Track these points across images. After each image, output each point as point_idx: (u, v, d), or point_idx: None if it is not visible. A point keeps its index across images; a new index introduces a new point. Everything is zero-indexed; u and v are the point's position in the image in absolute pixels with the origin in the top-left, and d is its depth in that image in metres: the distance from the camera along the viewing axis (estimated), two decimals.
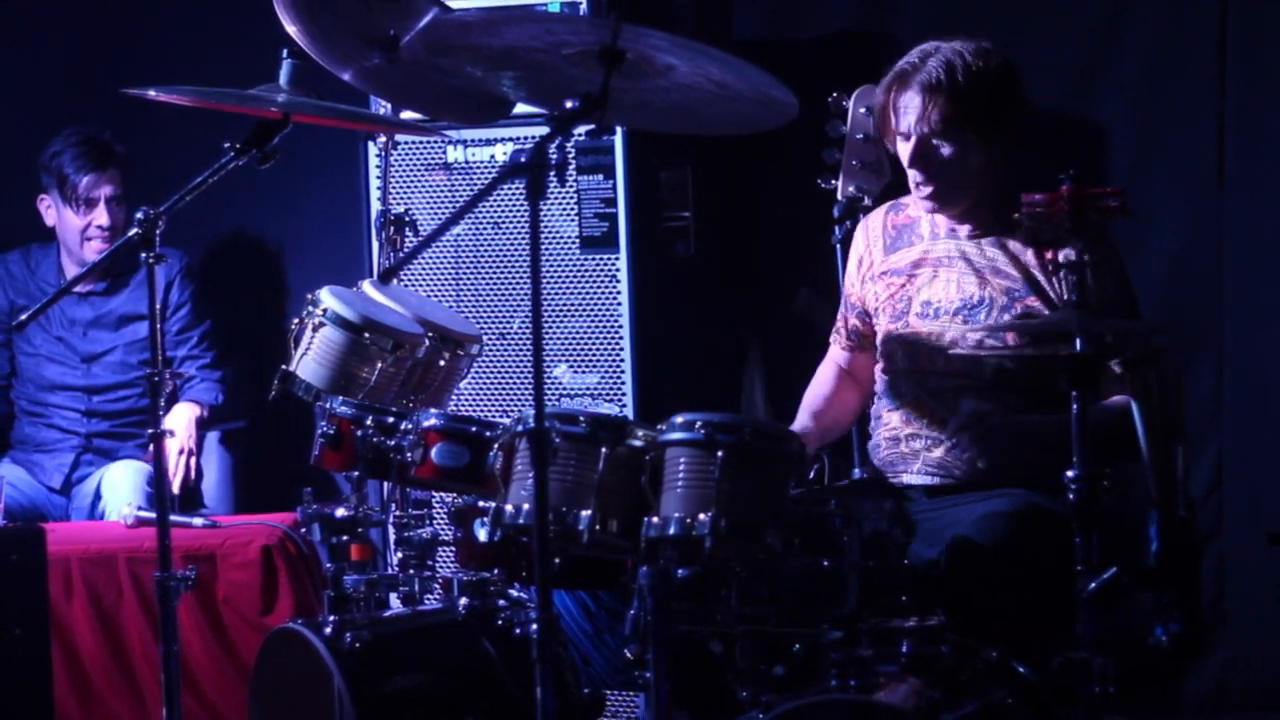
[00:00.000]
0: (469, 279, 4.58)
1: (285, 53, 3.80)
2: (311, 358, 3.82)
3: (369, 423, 3.58)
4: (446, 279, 4.60)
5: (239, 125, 3.71)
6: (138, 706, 4.38)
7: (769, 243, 4.92)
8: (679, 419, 3.10)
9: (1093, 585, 3.01)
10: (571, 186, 4.43)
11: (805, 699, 3.05)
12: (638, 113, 3.33)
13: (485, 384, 4.53)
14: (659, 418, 3.16)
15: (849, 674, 3.05)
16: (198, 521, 4.51)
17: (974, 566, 3.40)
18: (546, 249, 4.46)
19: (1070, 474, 3.03)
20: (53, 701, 4.08)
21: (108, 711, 4.39)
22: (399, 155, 4.55)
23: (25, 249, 5.15)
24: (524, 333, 4.49)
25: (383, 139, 4.45)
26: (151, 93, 3.83)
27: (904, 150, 3.67)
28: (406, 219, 4.36)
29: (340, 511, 3.69)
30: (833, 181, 4.14)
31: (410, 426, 3.54)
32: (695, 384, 4.59)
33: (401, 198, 4.55)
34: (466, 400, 4.52)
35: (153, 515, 3.89)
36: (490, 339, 4.40)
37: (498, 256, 4.54)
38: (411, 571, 3.70)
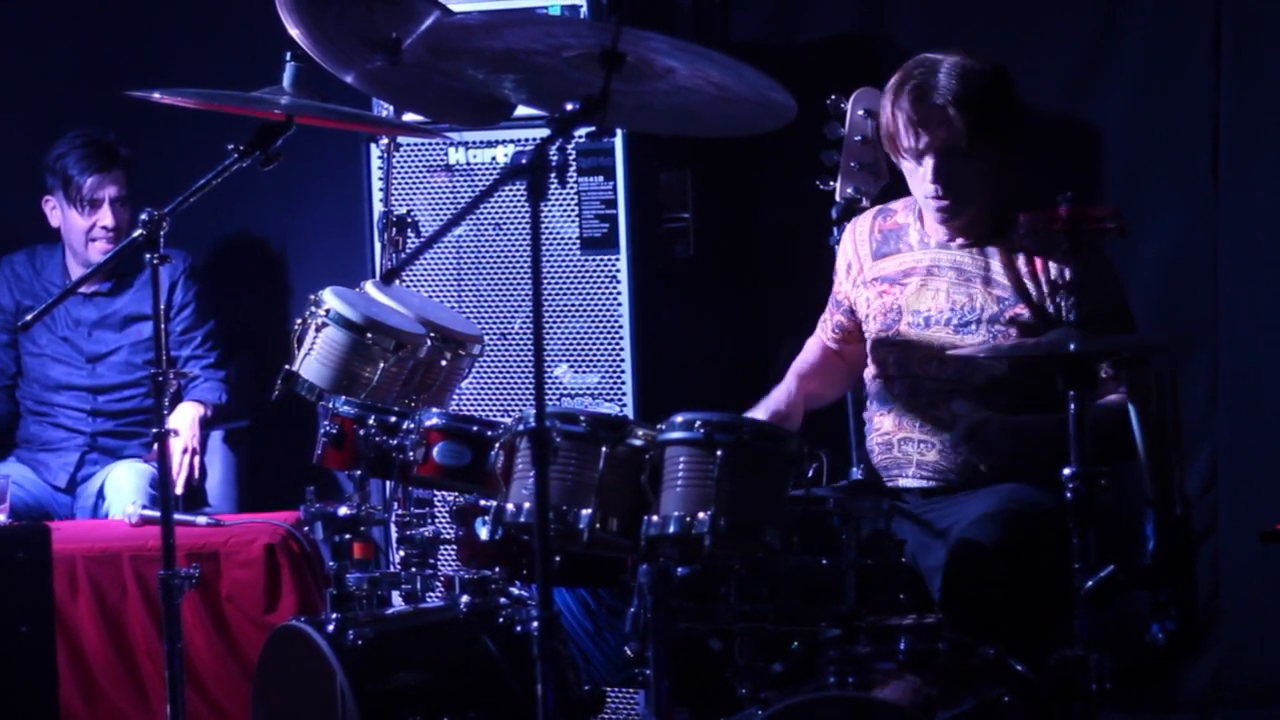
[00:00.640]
0: (470, 279, 4.58)
1: (288, 56, 3.80)
2: (314, 358, 3.82)
3: (371, 422, 3.59)
4: (448, 279, 4.61)
5: (243, 127, 3.71)
6: (142, 704, 4.40)
7: (768, 244, 4.92)
8: (679, 418, 3.11)
9: (1090, 583, 3.03)
10: (572, 188, 4.43)
11: (803, 696, 3.05)
12: (638, 115, 3.33)
13: (487, 384, 4.54)
14: (659, 417, 3.17)
15: (847, 671, 3.05)
16: (201, 520, 4.53)
17: (973, 566, 3.40)
18: (547, 250, 4.47)
19: (1067, 472, 3.05)
20: (58, 698, 4.09)
21: (112, 708, 4.40)
22: (401, 157, 4.55)
23: (31, 250, 5.16)
24: (525, 333, 4.50)
25: (385, 141, 4.44)
26: (156, 95, 3.84)
27: (921, 165, 3.63)
28: (408, 220, 4.35)
29: (343, 510, 3.69)
30: (831, 183, 4.13)
31: (412, 426, 3.55)
32: (695, 384, 4.60)
33: (403, 199, 4.55)
34: (468, 400, 4.53)
35: (157, 514, 3.90)
36: (491, 339, 4.40)
37: (499, 257, 4.55)
38: (413, 569, 3.70)
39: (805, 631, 3.19)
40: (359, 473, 3.69)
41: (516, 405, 4.52)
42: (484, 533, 3.60)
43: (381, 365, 3.79)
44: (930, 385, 3.68)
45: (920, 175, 3.65)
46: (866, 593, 3.18)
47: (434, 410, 3.64)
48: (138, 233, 3.55)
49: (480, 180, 4.54)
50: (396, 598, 3.74)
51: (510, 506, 3.22)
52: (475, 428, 3.52)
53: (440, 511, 4.18)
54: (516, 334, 4.52)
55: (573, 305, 4.47)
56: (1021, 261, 3.66)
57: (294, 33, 3.81)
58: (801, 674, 3.18)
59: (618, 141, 4.43)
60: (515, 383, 4.53)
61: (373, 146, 4.57)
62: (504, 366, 4.54)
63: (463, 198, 4.54)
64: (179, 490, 4.81)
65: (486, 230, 4.56)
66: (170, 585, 3.57)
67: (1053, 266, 3.61)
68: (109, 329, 5.10)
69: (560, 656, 3.47)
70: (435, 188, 4.60)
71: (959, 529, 3.49)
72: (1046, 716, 3.19)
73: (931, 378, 3.68)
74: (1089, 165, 4.65)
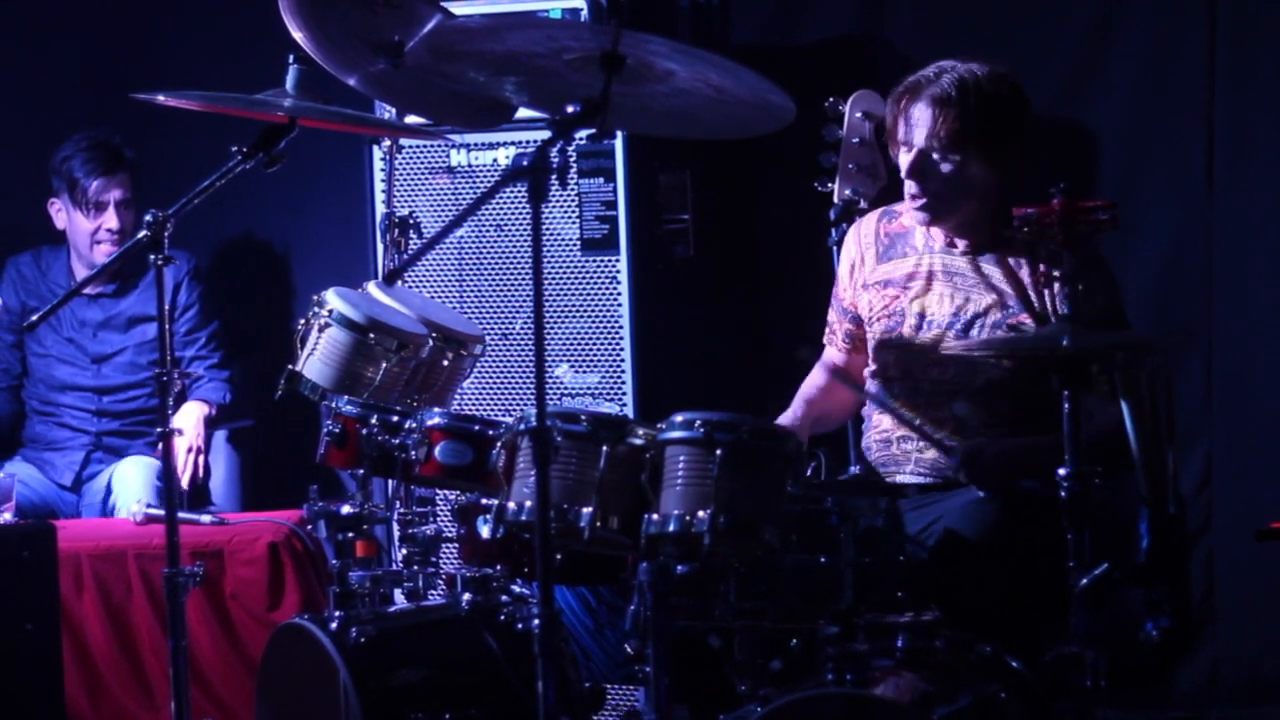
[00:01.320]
0: (472, 280, 4.59)
1: (292, 58, 3.80)
2: (317, 358, 3.83)
3: (374, 421, 3.60)
4: (450, 280, 4.62)
5: (246, 130, 3.72)
6: (146, 700, 4.40)
7: (766, 245, 4.93)
8: (678, 418, 3.13)
9: (1085, 581, 3.04)
10: (573, 190, 4.43)
11: (802, 692, 3.06)
12: (638, 117, 3.34)
13: (488, 383, 4.55)
14: (658, 417, 3.18)
15: (845, 668, 3.07)
16: (206, 519, 4.53)
17: (962, 555, 3.42)
18: (548, 251, 4.46)
19: (1062, 472, 3.05)
20: (63, 695, 4.10)
21: (117, 705, 4.40)
22: (403, 159, 4.55)
23: (36, 251, 5.18)
24: (526, 333, 4.49)
25: (387, 143, 4.45)
26: (160, 98, 3.85)
27: (905, 160, 3.67)
28: (411, 221, 4.36)
29: (346, 509, 3.71)
30: (829, 185, 4.14)
31: (414, 425, 3.56)
32: (694, 383, 4.60)
33: (406, 200, 4.55)
34: (469, 399, 4.54)
35: (161, 512, 3.93)
36: (493, 339, 4.40)
37: (500, 258, 4.56)
38: (416, 567, 3.71)
39: (804, 629, 3.21)
40: (361, 471, 3.69)
41: (518, 405, 4.52)
42: (485, 531, 3.61)
43: (384, 365, 3.80)
44: (930, 388, 3.70)
45: (903, 170, 3.68)
46: (864, 590, 3.19)
47: (436, 410, 3.65)
48: (142, 234, 3.55)
49: (482, 182, 4.55)
50: (399, 595, 3.74)
51: (512, 505, 3.23)
52: (477, 427, 3.53)
53: (442, 510, 4.17)
54: (517, 334, 4.53)
55: (573, 306, 4.48)
56: (1025, 270, 3.67)
57: (297, 36, 3.83)
58: (800, 671, 3.20)
59: (618, 143, 4.43)
60: (516, 382, 4.54)
61: (375, 148, 4.58)
62: (505, 366, 4.54)
63: (464, 199, 4.55)
64: (183, 489, 4.83)
65: (488, 231, 4.57)
66: (175, 583, 3.58)
67: (1055, 272, 3.61)
68: (114, 330, 5.11)
69: (561, 654, 3.48)
70: (437, 189, 4.61)
71: (952, 515, 3.51)
72: (1042, 713, 3.20)
73: (932, 381, 3.69)
74: (1085, 166, 4.66)
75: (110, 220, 5.03)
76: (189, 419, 4.97)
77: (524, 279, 4.53)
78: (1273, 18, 4.52)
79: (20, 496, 4.64)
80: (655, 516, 3.11)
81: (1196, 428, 4.58)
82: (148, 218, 3.55)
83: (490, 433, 3.49)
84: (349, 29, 3.86)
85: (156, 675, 4.38)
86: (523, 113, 4.03)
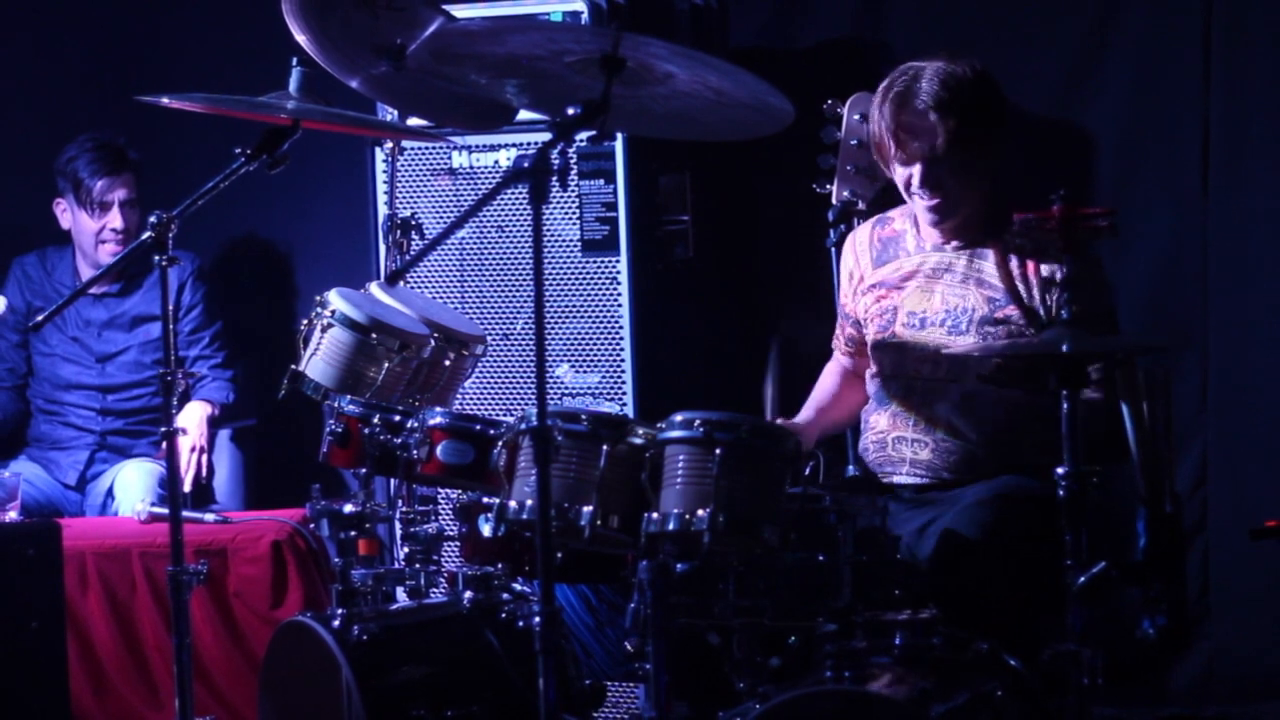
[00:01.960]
0: (473, 281, 4.59)
1: (295, 61, 3.81)
2: (320, 358, 3.83)
3: (376, 421, 3.61)
4: (451, 281, 4.63)
5: (250, 131, 3.73)
6: (151, 698, 4.42)
7: (766, 246, 4.94)
8: (678, 417, 3.14)
9: (1081, 579, 3.04)
10: (573, 191, 4.44)
11: (800, 690, 3.07)
12: (638, 119, 3.35)
13: (489, 383, 4.56)
14: (658, 416, 3.19)
15: (843, 665, 3.08)
16: (209, 517, 4.54)
17: (962, 555, 3.43)
18: (548, 252, 4.47)
19: (1060, 471, 3.07)
20: (68, 693, 4.11)
21: (122, 702, 4.42)
22: (405, 161, 4.56)
23: (41, 251, 5.19)
24: (527, 333, 4.49)
25: (389, 145, 4.44)
26: (165, 100, 3.85)
27: (909, 171, 3.66)
28: (413, 222, 4.34)
29: (348, 507, 3.73)
30: (828, 186, 4.14)
31: (416, 425, 3.57)
32: (694, 383, 4.61)
33: (408, 202, 4.55)
34: (471, 399, 4.55)
35: (165, 511, 3.93)
36: (494, 339, 4.41)
37: (501, 259, 4.56)
38: (417, 566, 3.72)
39: (802, 626, 3.22)
40: (364, 471, 3.71)
41: (519, 404, 4.53)
42: (487, 529, 3.63)
43: (386, 365, 3.80)
44: (924, 385, 3.71)
45: (910, 182, 3.67)
46: (862, 588, 3.21)
47: (438, 409, 3.66)
48: (147, 235, 3.55)
49: (483, 183, 4.55)
50: (401, 593, 3.75)
51: (513, 504, 3.25)
52: (478, 426, 3.54)
53: (444, 509, 4.19)
54: (518, 334, 4.53)
55: (574, 306, 4.48)
56: (1014, 263, 3.69)
57: (300, 39, 3.83)
58: (798, 668, 3.21)
59: (618, 145, 4.43)
60: (517, 382, 4.55)
61: (377, 150, 4.58)
62: (506, 366, 4.55)
63: (466, 200, 4.55)
64: (187, 488, 4.83)
65: (489, 232, 4.57)
66: (179, 581, 3.58)
67: (1044, 267, 3.64)
68: (118, 329, 5.13)
69: (562, 651, 3.49)
70: (439, 191, 4.61)
71: (951, 514, 3.52)
72: (1039, 710, 3.21)
73: (925, 378, 3.71)
74: (1081, 168, 4.66)
75: (115, 220, 5.05)
76: (193, 418, 4.97)
77: (525, 279, 4.54)
78: (1267, 20, 4.52)
79: (25, 495, 4.65)
80: (655, 515, 3.12)
81: (1192, 427, 4.59)
82: (152, 219, 3.55)
83: (491, 432, 3.50)
84: (351, 32, 3.86)
85: (160, 672, 4.39)
86: (524, 115, 4.05)
